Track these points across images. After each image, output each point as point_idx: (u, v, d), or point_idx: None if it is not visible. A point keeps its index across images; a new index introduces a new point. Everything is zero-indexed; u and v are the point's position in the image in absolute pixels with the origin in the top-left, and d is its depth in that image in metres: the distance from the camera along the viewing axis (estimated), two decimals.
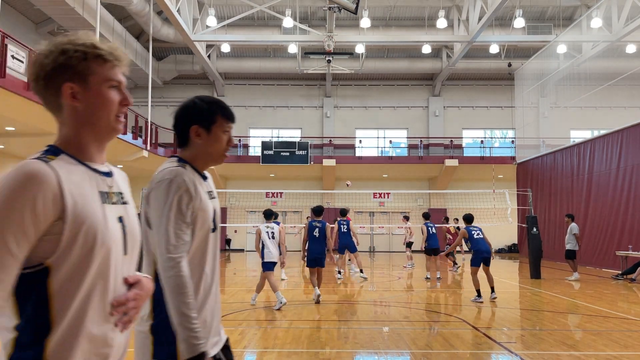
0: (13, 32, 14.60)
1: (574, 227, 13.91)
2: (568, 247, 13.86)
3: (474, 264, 9.78)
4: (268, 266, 8.77)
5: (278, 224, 9.13)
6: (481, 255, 9.67)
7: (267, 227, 8.96)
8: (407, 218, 17.92)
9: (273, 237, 8.87)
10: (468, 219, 10.20)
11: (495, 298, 9.69)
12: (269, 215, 9.20)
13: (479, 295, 9.59)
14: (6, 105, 12.78)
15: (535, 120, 26.63)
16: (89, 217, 1.35)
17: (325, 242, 9.30)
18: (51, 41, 1.44)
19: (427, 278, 13.28)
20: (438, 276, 13.31)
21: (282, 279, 12.90)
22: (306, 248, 9.53)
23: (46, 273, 1.30)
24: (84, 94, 1.42)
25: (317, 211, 9.53)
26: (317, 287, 9.17)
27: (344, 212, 13.96)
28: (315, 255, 9.20)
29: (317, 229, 9.34)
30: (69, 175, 1.35)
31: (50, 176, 1.30)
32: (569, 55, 22.51)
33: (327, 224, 9.46)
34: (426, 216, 14.36)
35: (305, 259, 9.61)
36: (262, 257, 8.79)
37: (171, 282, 1.81)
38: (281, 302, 8.52)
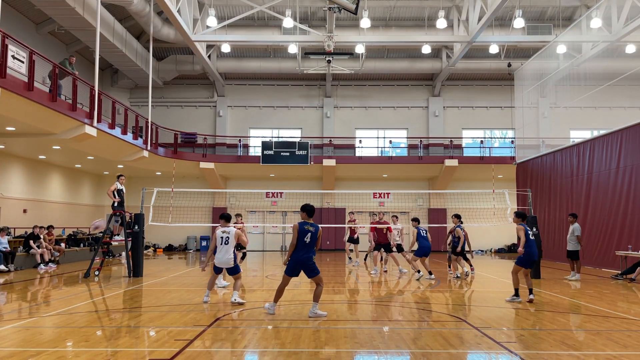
0: (13, 32, 14.61)
1: (576, 228, 13.90)
2: (569, 247, 13.85)
3: (525, 265, 9.58)
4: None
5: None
6: (532, 257, 9.54)
7: (223, 232, 9.34)
8: (396, 217, 16.48)
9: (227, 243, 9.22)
10: (523, 215, 9.84)
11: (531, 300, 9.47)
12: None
13: (516, 294, 9.59)
14: (6, 105, 12.78)
15: (535, 120, 26.64)
16: None
17: (314, 249, 7.97)
18: None
19: (457, 277, 13.80)
20: (465, 272, 14.03)
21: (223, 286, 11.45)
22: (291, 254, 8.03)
23: None
24: None
25: (311, 210, 8.10)
26: (277, 302, 8.19)
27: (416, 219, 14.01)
28: (302, 261, 7.87)
29: (309, 234, 7.84)
30: None
31: None
32: (569, 55, 22.52)
33: (320, 228, 8.04)
34: (458, 217, 14.24)
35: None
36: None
37: None
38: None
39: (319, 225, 8.12)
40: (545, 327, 7.30)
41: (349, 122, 28.81)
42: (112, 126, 18.07)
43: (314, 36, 22.58)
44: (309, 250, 7.92)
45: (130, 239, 13.97)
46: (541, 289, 11.49)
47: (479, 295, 10.78)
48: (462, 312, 8.58)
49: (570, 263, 13.90)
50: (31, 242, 16.57)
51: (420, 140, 26.91)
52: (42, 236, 17.02)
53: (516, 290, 9.63)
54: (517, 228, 9.70)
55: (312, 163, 25.30)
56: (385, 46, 26.45)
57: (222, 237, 9.16)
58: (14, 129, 15.16)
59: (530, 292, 9.54)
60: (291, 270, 8.00)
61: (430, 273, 13.42)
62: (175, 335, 6.55)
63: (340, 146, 27.47)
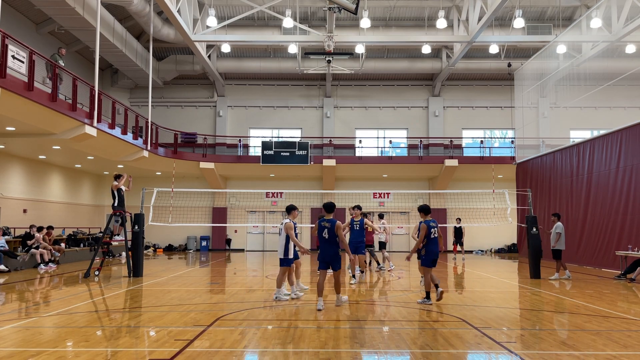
0: (13, 32, 14.62)
1: (558, 226, 13.85)
2: (557, 246, 13.80)
3: (429, 264, 9.15)
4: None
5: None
6: (435, 256, 9.11)
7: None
8: (381, 216, 16.64)
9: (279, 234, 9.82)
10: (426, 210, 9.26)
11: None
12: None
13: (428, 297, 9.19)
14: (6, 105, 12.79)
15: (535, 120, 26.65)
16: None
17: (337, 243, 8.60)
18: None
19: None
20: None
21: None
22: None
23: None
24: None
25: (328, 207, 8.74)
26: (321, 295, 8.69)
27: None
28: (328, 256, 8.64)
29: (325, 230, 8.58)
30: None
31: None
32: (569, 55, 22.53)
33: (338, 222, 8.60)
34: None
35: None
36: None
37: None
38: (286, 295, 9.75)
39: (336, 220, 8.64)
40: (546, 327, 7.30)
41: (349, 122, 28.81)
42: (112, 126, 18.06)
43: (314, 36, 22.58)
44: (331, 244, 8.57)
45: (130, 239, 13.98)
46: (541, 289, 11.50)
47: (479, 295, 10.78)
48: (462, 312, 8.58)
49: (558, 263, 13.84)
50: (29, 241, 16.57)
51: (420, 140, 26.91)
52: (41, 236, 17.01)
53: (427, 293, 9.24)
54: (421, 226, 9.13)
55: (312, 163, 25.30)
56: (385, 46, 26.45)
57: (279, 229, 9.76)
58: (14, 129, 15.16)
59: (437, 287, 9.23)
60: (324, 264, 8.68)
61: (353, 276, 12.62)
62: (175, 335, 6.56)
63: (340, 146, 27.47)
